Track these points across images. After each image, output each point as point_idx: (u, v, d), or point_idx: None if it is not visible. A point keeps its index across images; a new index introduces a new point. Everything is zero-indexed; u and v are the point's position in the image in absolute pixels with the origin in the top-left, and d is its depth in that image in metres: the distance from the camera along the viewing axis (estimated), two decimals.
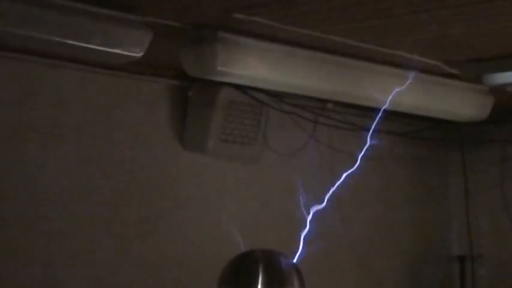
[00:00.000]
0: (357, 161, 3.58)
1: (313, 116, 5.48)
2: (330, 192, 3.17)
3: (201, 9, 3.56)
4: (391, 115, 5.61)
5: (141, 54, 3.67)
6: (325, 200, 3.16)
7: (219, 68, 3.90)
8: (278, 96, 5.09)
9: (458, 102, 4.93)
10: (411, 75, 4.05)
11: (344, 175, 3.23)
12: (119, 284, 4.66)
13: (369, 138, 3.36)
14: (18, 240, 4.32)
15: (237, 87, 4.73)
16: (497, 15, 3.57)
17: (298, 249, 3.15)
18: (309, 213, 3.20)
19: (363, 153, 3.25)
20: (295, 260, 3.10)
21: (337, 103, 5.31)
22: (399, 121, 5.80)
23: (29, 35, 3.38)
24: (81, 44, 3.51)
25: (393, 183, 6.04)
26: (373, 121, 3.51)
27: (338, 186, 3.29)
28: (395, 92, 4.53)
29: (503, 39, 4.00)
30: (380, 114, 3.38)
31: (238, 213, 5.09)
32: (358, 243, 5.79)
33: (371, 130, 3.32)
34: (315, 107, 5.44)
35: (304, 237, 3.14)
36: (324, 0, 3.41)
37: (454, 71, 4.61)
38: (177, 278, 4.87)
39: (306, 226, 3.19)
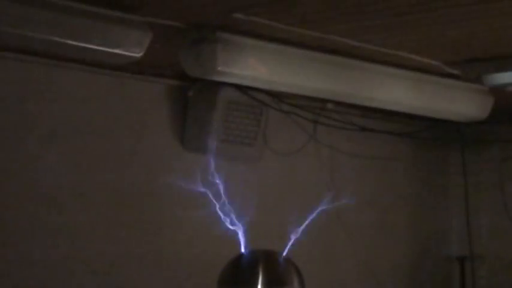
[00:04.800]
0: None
1: (313, 116, 5.48)
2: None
3: (201, 9, 3.56)
4: (391, 115, 5.64)
5: (141, 54, 3.67)
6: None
7: (219, 68, 3.90)
8: (278, 96, 5.09)
9: (458, 102, 4.93)
10: None
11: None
12: (119, 284, 4.66)
13: None
14: (18, 240, 4.32)
15: (237, 87, 4.73)
16: (497, 15, 3.57)
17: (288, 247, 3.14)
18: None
19: None
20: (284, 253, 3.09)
21: (337, 103, 5.31)
22: (399, 121, 5.81)
23: (29, 35, 3.38)
24: (81, 44, 3.51)
25: (393, 183, 6.04)
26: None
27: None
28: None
29: (503, 39, 4.01)
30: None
31: (238, 213, 5.08)
32: (357, 243, 5.79)
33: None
34: (315, 107, 5.45)
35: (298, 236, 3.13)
36: (324, 0, 3.41)
37: (454, 71, 4.61)
38: (178, 277, 4.87)
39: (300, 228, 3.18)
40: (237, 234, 3.18)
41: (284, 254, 3.13)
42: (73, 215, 4.50)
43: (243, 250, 3.11)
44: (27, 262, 4.33)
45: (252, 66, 4.01)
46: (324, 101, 5.29)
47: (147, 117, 4.85)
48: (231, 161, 5.08)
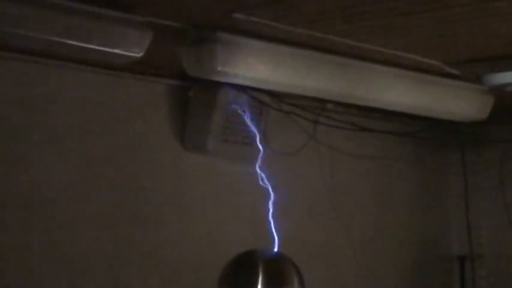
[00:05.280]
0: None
1: (313, 116, 5.48)
2: None
3: (201, 9, 3.56)
4: (391, 115, 5.64)
5: (141, 54, 3.67)
6: None
7: (219, 68, 3.90)
8: (278, 96, 5.09)
9: (458, 102, 4.93)
10: None
11: None
12: (119, 284, 4.66)
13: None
14: (18, 240, 4.32)
15: (237, 87, 4.73)
16: (497, 15, 3.57)
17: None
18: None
19: None
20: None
21: (337, 103, 5.31)
22: (399, 121, 5.81)
23: (29, 35, 3.37)
24: (81, 44, 3.51)
25: (393, 183, 6.04)
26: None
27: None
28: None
29: (503, 39, 4.01)
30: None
31: (238, 214, 5.09)
32: (357, 243, 5.79)
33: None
34: (315, 107, 5.45)
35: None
36: (324, 0, 3.41)
37: (454, 71, 4.61)
38: (177, 277, 4.87)
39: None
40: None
41: (284, 253, 3.13)
42: (73, 214, 4.50)
43: (243, 250, 3.10)
44: (27, 262, 4.33)
45: (252, 66, 4.01)
46: (324, 101, 5.29)
47: (147, 117, 4.85)
48: (231, 161, 5.09)
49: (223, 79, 4.17)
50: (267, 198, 5.36)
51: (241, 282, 2.98)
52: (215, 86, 4.74)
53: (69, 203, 4.49)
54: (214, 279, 3.12)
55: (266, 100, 5.03)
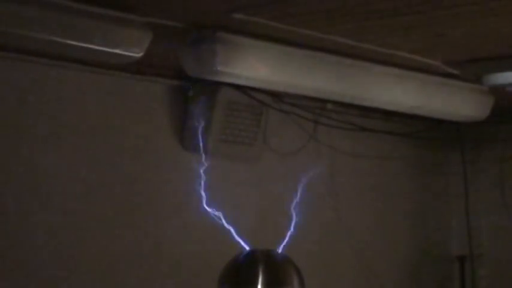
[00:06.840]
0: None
1: (313, 116, 5.48)
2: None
3: (201, 9, 3.56)
4: (391, 115, 5.64)
5: (141, 54, 3.68)
6: None
7: (219, 68, 3.90)
8: (278, 96, 5.09)
9: (458, 102, 4.93)
10: None
11: None
12: (119, 284, 4.66)
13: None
14: (18, 240, 4.32)
15: (237, 87, 4.73)
16: (497, 15, 3.57)
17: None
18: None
19: None
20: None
21: (337, 103, 5.31)
22: (399, 121, 5.81)
23: (29, 35, 3.38)
24: (81, 44, 3.51)
25: (393, 184, 6.04)
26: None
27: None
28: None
29: (503, 39, 4.01)
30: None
31: (238, 214, 5.08)
32: (358, 243, 5.79)
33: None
34: (315, 107, 5.45)
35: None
36: (324, 0, 3.41)
37: (454, 71, 4.61)
38: (178, 278, 4.87)
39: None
40: (230, 233, 3.19)
41: (280, 251, 3.14)
42: (73, 215, 4.50)
43: (246, 248, 3.11)
44: (28, 263, 4.33)
45: (252, 66, 4.01)
46: (324, 101, 5.30)
47: (147, 117, 4.85)
48: (231, 161, 5.09)
49: (223, 79, 4.17)
50: (266, 198, 5.36)
51: (241, 282, 2.98)
52: (215, 86, 4.74)
53: (69, 202, 4.49)
54: (215, 279, 3.12)
55: (266, 100, 5.03)
